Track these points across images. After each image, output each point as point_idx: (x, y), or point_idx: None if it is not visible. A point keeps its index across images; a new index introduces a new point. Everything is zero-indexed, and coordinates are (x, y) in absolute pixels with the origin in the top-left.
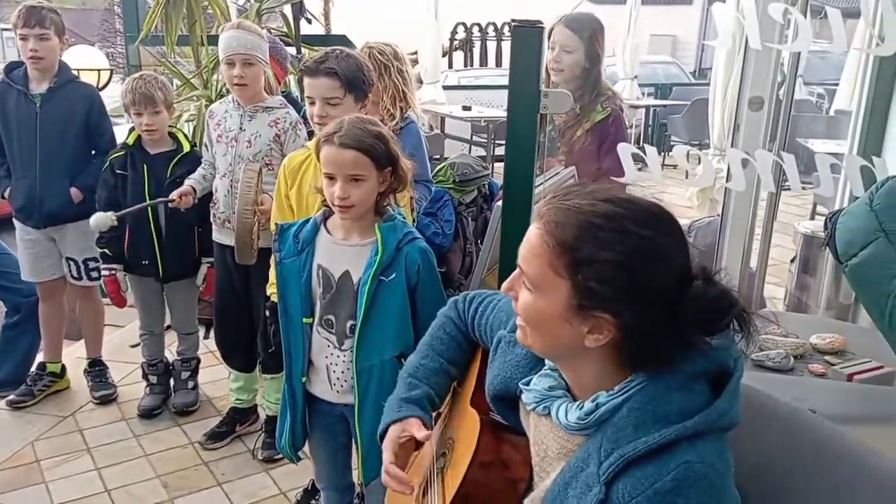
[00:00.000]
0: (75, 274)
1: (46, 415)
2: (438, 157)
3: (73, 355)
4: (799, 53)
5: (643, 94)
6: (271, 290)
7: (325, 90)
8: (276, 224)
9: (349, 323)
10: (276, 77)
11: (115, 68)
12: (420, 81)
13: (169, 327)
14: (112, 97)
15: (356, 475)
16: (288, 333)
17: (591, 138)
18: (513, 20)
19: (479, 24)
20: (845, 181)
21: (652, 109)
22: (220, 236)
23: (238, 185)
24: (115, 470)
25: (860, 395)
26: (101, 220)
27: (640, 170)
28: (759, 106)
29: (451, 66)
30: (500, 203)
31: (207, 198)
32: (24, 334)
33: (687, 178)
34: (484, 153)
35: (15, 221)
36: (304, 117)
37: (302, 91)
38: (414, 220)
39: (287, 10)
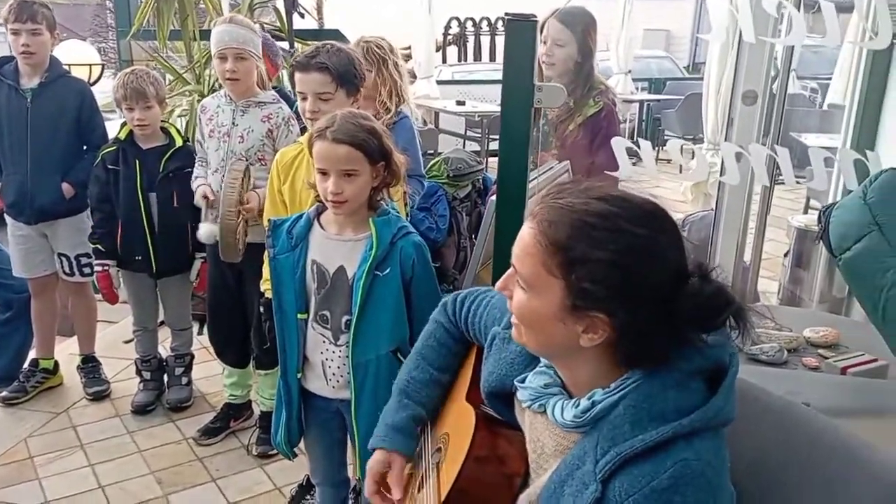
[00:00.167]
0: (67, 270)
1: (39, 411)
2: (432, 152)
3: (66, 352)
4: (792, 47)
5: (637, 88)
6: (265, 286)
7: (316, 85)
8: (269, 220)
9: (344, 318)
10: (268, 74)
11: (106, 63)
12: (413, 76)
13: (162, 323)
14: (104, 92)
15: (352, 470)
16: (283, 329)
17: (583, 132)
18: (506, 14)
19: (472, 19)
20: (839, 175)
21: (646, 104)
22: None
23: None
24: (109, 466)
25: (853, 388)
26: (212, 231)
27: (634, 164)
28: (752, 100)
29: (444, 60)
30: (494, 198)
31: None
32: (17, 331)
33: (681, 172)
34: (478, 148)
35: (6, 217)
36: (297, 112)
37: (294, 86)
38: (407, 215)
39: (279, 4)
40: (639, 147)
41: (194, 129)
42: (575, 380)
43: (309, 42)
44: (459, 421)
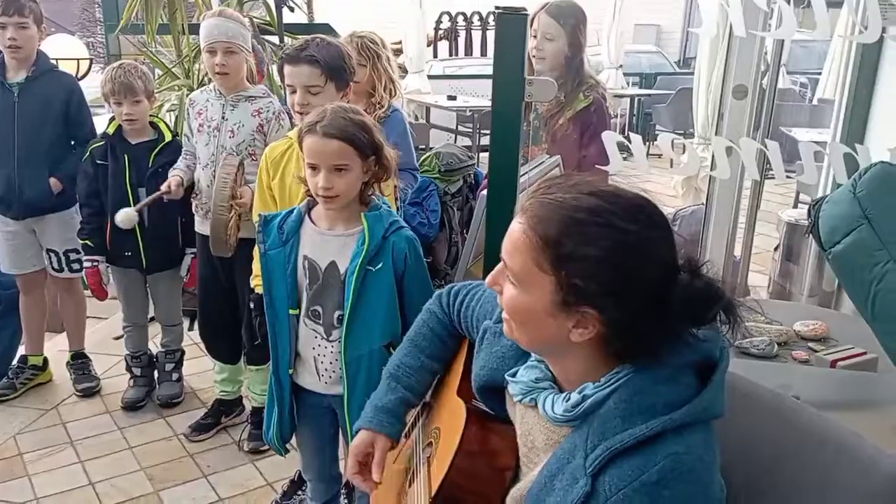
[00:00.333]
0: (56, 266)
1: (29, 408)
2: (424, 147)
3: (56, 348)
4: (782, 42)
5: (628, 83)
6: (255, 282)
7: (305, 78)
8: (259, 215)
9: (336, 314)
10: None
11: (94, 58)
12: (404, 71)
13: (153, 319)
14: (92, 87)
15: (343, 465)
16: (274, 325)
17: (573, 127)
18: (496, 7)
19: (463, 14)
20: (828, 169)
21: (637, 99)
22: (203, 227)
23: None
24: (100, 463)
25: (843, 381)
26: (128, 217)
27: (625, 159)
28: (742, 95)
29: (436, 55)
30: (485, 192)
31: (190, 188)
32: (5, 327)
33: (672, 166)
34: (469, 143)
35: None
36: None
37: (283, 80)
38: (398, 209)
39: None
40: (630, 142)
41: (184, 123)
42: (566, 374)
43: (298, 36)
44: (450, 416)
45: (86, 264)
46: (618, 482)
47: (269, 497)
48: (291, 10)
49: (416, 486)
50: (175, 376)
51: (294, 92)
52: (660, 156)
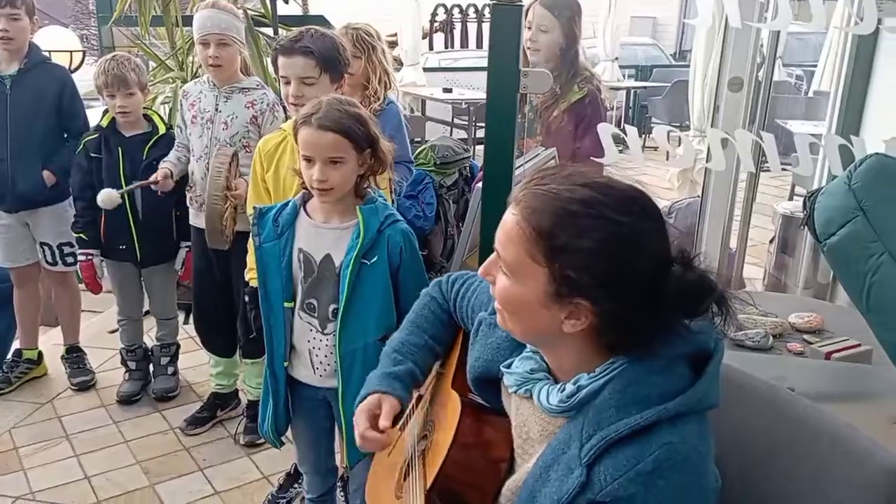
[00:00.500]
0: (50, 259)
1: (24, 402)
2: (419, 139)
3: (50, 342)
4: (778, 34)
5: (624, 75)
6: (250, 275)
7: (300, 69)
8: (254, 208)
9: (331, 307)
10: None
11: (87, 50)
12: (400, 63)
13: (147, 313)
14: (85, 79)
15: (339, 458)
16: (269, 318)
17: (567, 118)
18: None
19: (459, 6)
20: (824, 161)
21: (632, 91)
22: (197, 220)
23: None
24: (95, 457)
25: (838, 373)
26: (109, 197)
27: (621, 151)
28: (738, 87)
29: (431, 48)
30: (480, 185)
31: (185, 181)
32: None
33: (667, 159)
34: (465, 135)
35: None
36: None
37: (277, 71)
38: (393, 202)
39: None
40: (626, 134)
41: (177, 115)
42: (560, 365)
43: (293, 28)
44: (445, 409)
45: (80, 258)
46: (613, 472)
47: (265, 490)
48: (286, 1)
49: (412, 479)
50: (170, 370)
51: (288, 83)
52: (656, 148)
